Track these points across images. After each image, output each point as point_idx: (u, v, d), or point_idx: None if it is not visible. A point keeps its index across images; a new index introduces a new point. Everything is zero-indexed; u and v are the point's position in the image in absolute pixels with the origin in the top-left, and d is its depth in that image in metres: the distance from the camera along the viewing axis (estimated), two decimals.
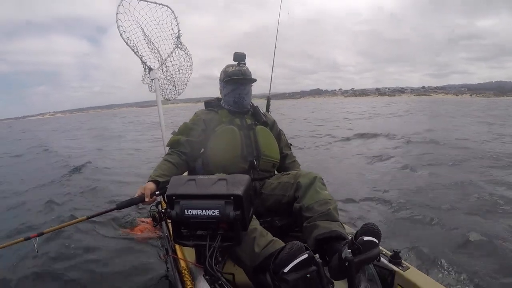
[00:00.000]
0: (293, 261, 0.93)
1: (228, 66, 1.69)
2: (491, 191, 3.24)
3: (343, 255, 1.00)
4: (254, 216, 1.20)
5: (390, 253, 1.27)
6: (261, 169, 1.58)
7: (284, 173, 1.61)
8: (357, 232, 1.08)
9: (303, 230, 1.30)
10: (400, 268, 1.19)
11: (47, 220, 2.86)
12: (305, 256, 0.94)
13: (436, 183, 3.67)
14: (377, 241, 1.05)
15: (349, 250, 0.99)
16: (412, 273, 1.17)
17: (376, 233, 1.04)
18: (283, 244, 1.09)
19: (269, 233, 1.19)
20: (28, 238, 1.34)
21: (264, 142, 1.61)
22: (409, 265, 1.22)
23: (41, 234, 1.36)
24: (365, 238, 1.02)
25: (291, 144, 1.91)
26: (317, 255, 0.96)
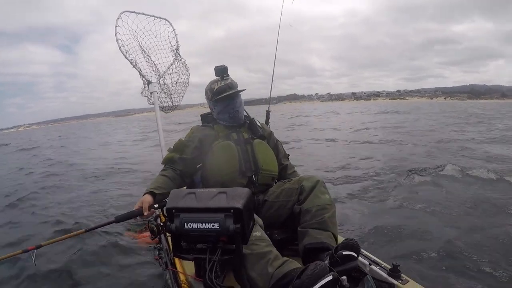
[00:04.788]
0: (316, 284, 0.87)
1: (212, 83, 1.66)
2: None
3: None
4: (270, 241, 1.19)
5: (389, 266, 1.27)
6: (260, 183, 1.59)
7: (286, 180, 1.61)
8: (337, 246, 1.12)
9: (297, 234, 1.35)
10: (400, 281, 1.20)
11: (45, 232, 2.83)
12: (330, 277, 0.88)
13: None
14: (356, 255, 1.09)
15: (326, 262, 1.03)
16: (412, 287, 1.17)
17: (355, 247, 1.09)
18: (297, 264, 1.07)
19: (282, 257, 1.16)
20: (26, 251, 1.34)
21: (262, 156, 1.61)
22: (408, 278, 1.21)
23: (39, 246, 1.35)
24: (344, 252, 1.07)
25: (288, 155, 1.92)
26: (344, 277, 0.92)
